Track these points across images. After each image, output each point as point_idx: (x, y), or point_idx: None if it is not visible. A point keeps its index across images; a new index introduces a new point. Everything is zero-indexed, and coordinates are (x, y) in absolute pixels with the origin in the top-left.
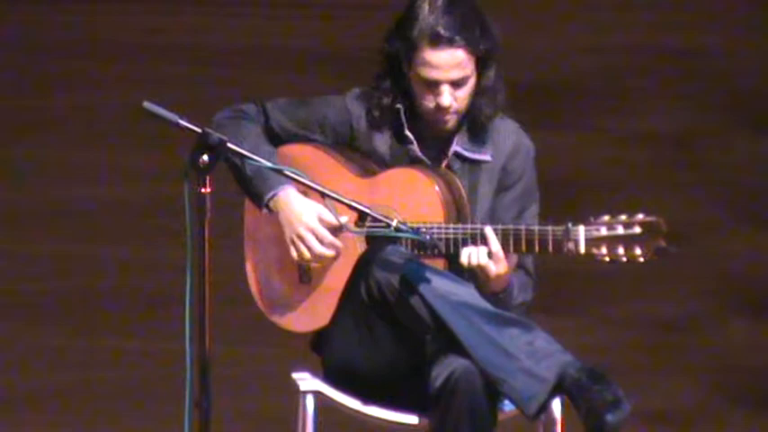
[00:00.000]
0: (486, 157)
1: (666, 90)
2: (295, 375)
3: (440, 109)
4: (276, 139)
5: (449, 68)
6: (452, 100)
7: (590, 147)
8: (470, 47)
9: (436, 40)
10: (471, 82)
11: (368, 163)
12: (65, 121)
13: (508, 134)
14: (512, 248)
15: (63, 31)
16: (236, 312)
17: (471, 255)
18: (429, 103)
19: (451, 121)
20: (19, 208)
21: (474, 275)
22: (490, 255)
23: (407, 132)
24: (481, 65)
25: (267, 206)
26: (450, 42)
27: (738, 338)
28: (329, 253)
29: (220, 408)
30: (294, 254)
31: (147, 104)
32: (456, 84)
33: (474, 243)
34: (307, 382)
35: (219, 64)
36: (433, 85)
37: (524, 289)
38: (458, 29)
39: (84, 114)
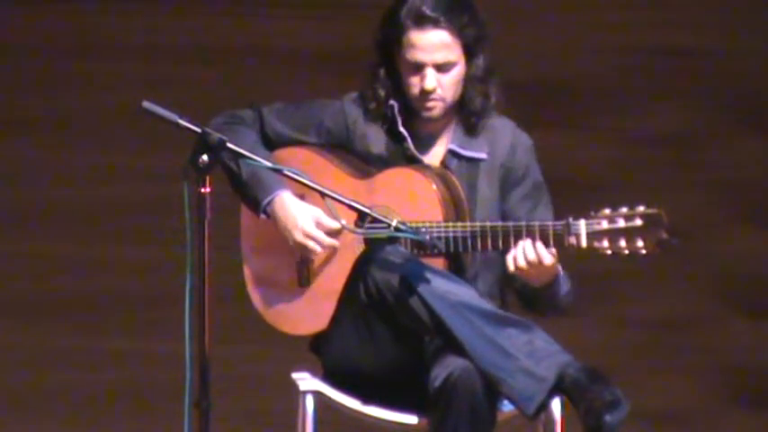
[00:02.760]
0: (483, 156)
1: (666, 90)
2: (295, 375)
3: (424, 93)
4: (271, 144)
5: (433, 50)
6: (437, 84)
7: (590, 147)
8: (455, 30)
9: (421, 21)
10: (458, 70)
11: (365, 164)
12: (65, 121)
13: (504, 132)
14: (513, 245)
15: (63, 31)
16: (236, 312)
17: (518, 258)
18: (414, 88)
19: (437, 108)
20: (19, 208)
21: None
22: (534, 249)
23: (401, 129)
24: (469, 53)
25: (264, 211)
26: (434, 23)
27: (738, 338)
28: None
29: (220, 408)
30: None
31: (146, 104)
32: (441, 68)
33: (473, 241)
34: (307, 382)
35: (220, 64)
36: (418, 69)
37: (565, 278)
38: (443, 10)
39: (85, 114)
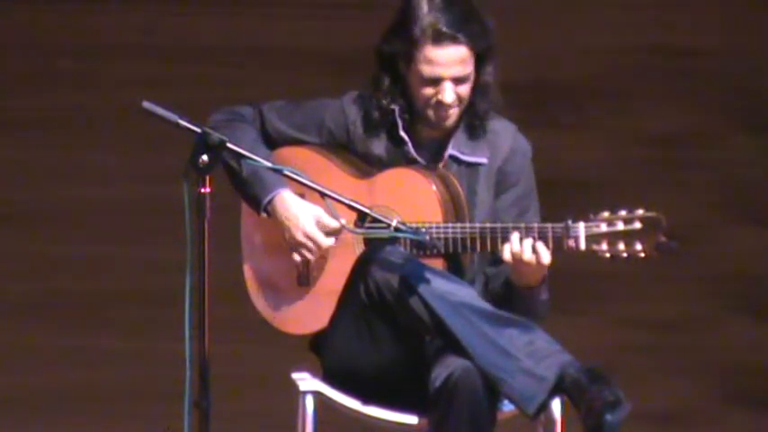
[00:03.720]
0: (483, 160)
1: (666, 90)
2: (295, 375)
3: (441, 105)
4: (271, 142)
5: (452, 65)
6: (455, 96)
7: (590, 147)
8: (472, 43)
9: (439, 38)
10: (471, 78)
11: (365, 165)
12: (65, 121)
13: (505, 136)
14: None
15: (63, 31)
16: (236, 312)
17: (514, 249)
18: (430, 99)
19: (452, 116)
20: (19, 208)
21: (509, 269)
22: (534, 249)
23: (402, 133)
24: (480, 61)
25: (265, 210)
26: (453, 39)
27: (738, 338)
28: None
29: (220, 408)
30: (296, 257)
31: (146, 104)
32: (458, 80)
33: (473, 242)
34: (306, 382)
35: (220, 64)
36: (435, 82)
37: (546, 287)
38: (459, 25)
39: (85, 114)
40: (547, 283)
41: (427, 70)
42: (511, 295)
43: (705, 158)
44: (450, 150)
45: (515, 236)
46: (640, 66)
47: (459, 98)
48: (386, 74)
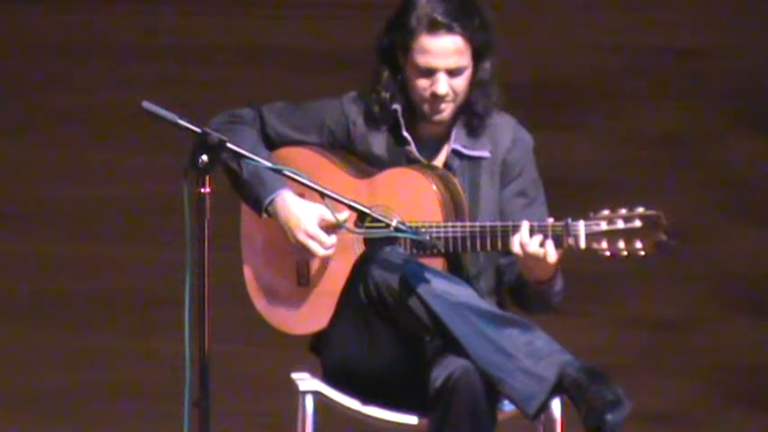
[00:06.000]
0: (485, 154)
1: (666, 90)
2: (295, 375)
3: (435, 97)
4: (272, 144)
5: (446, 55)
6: (449, 88)
7: (589, 147)
8: (468, 35)
9: (434, 27)
10: (468, 72)
11: (365, 165)
12: (65, 121)
13: (506, 129)
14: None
15: (63, 31)
16: (236, 312)
17: (523, 239)
18: (425, 91)
19: (447, 109)
20: (19, 208)
21: (519, 263)
22: (542, 244)
23: (405, 133)
24: (477, 57)
25: (266, 211)
26: (448, 29)
27: (738, 338)
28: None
29: (220, 408)
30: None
31: (146, 104)
32: (452, 72)
33: (473, 241)
34: (306, 382)
35: (219, 64)
36: (430, 73)
37: (560, 276)
38: (456, 16)
39: (84, 114)
40: (560, 275)
41: (422, 60)
42: (524, 290)
43: (705, 158)
44: (453, 145)
45: (525, 225)
46: (639, 66)
47: (454, 91)
48: (385, 67)
